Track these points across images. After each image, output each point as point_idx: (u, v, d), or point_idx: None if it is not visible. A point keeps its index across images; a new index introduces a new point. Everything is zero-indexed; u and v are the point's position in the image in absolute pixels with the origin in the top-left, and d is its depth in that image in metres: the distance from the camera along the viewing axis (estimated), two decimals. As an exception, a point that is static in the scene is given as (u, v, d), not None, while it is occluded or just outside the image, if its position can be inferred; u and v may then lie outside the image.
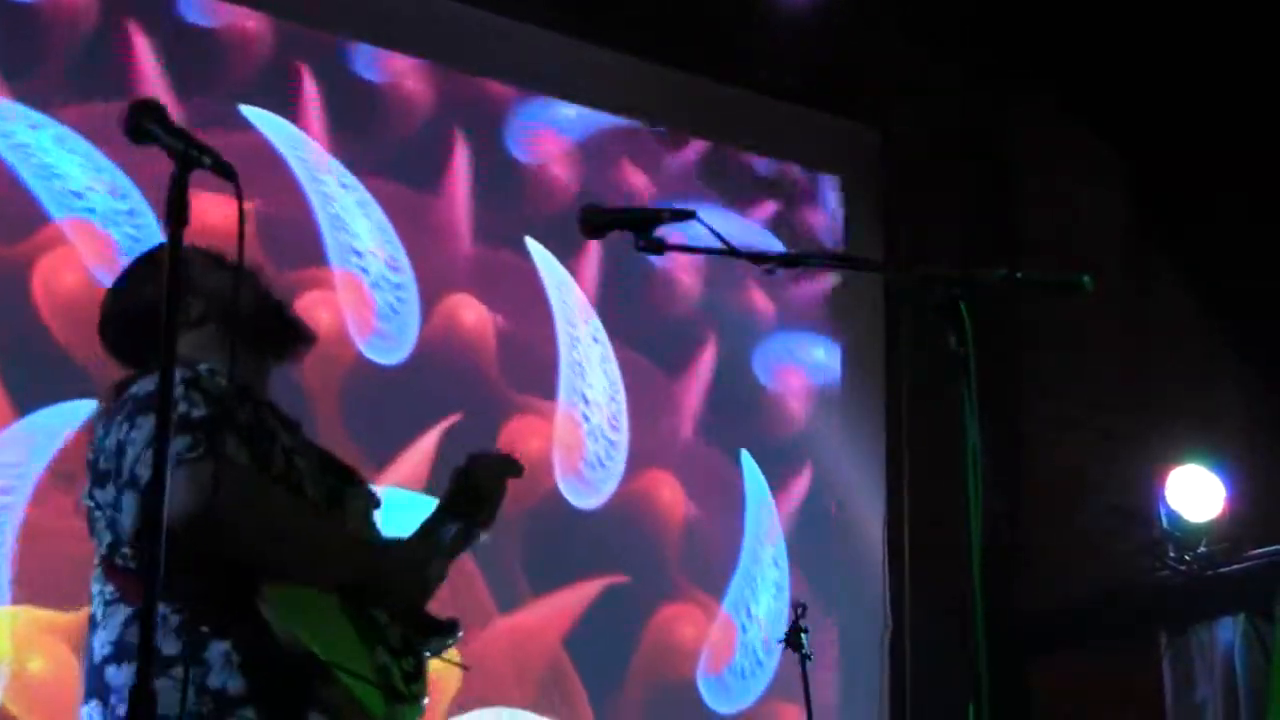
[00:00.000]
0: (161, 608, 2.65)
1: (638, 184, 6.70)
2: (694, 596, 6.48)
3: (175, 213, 2.24)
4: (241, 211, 2.31)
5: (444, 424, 5.87)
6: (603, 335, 6.48)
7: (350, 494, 3.06)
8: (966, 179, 7.50)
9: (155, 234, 5.45)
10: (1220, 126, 7.04)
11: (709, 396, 6.69)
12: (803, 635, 5.11)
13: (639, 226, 2.84)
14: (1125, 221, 7.61)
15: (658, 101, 6.80)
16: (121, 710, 2.71)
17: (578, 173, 6.55)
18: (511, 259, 6.34)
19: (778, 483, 6.78)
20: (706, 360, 6.71)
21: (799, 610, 5.14)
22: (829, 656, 6.51)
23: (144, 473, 2.69)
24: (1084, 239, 7.36)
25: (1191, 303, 7.48)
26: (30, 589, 5.10)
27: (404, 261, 6.06)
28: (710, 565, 6.52)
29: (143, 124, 2.30)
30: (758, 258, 2.88)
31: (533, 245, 6.33)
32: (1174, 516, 6.52)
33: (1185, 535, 6.50)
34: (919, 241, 7.03)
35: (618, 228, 2.87)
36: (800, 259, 3.01)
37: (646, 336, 6.61)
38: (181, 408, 2.74)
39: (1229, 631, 6.28)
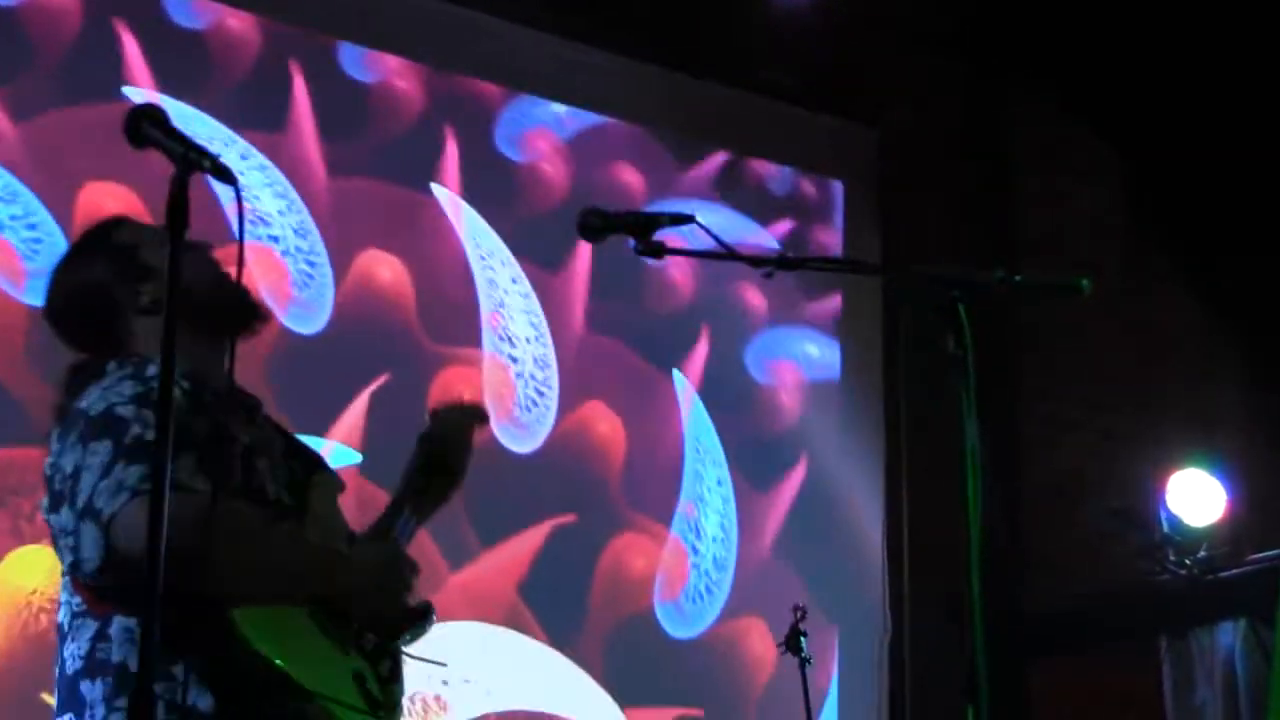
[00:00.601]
0: (124, 621, 2.69)
1: (630, 181, 6.70)
2: (641, 525, 6.48)
3: (176, 217, 2.23)
4: (241, 214, 2.31)
5: (372, 386, 5.82)
6: (522, 278, 6.45)
7: (316, 482, 2.99)
8: (965, 179, 7.51)
9: (54, 235, 5.43)
10: (1219, 126, 7.04)
11: (702, 391, 6.71)
12: (802, 639, 5.11)
13: (638, 230, 2.83)
14: (1125, 222, 7.61)
15: (653, 102, 6.80)
16: None
17: (569, 170, 6.54)
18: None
19: (773, 478, 6.78)
20: (699, 356, 6.71)
21: (798, 614, 5.13)
22: (828, 660, 6.51)
23: (104, 505, 2.62)
24: (1083, 239, 7.37)
25: (1191, 303, 7.48)
26: None
27: (311, 226, 5.96)
28: (654, 491, 6.53)
29: (142, 128, 2.29)
30: (757, 261, 2.88)
31: (438, 190, 6.30)
32: (1174, 520, 6.52)
33: (1185, 539, 6.50)
34: (917, 242, 7.04)
35: (618, 232, 2.85)
36: (798, 262, 3.00)
37: (640, 334, 6.61)
38: (135, 430, 2.69)
39: (1229, 636, 6.29)
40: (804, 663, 5.08)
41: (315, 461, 3.07)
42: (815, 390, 7.03)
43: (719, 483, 6.71)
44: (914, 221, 7.18)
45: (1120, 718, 6.59)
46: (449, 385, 6.06)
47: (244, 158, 5.86)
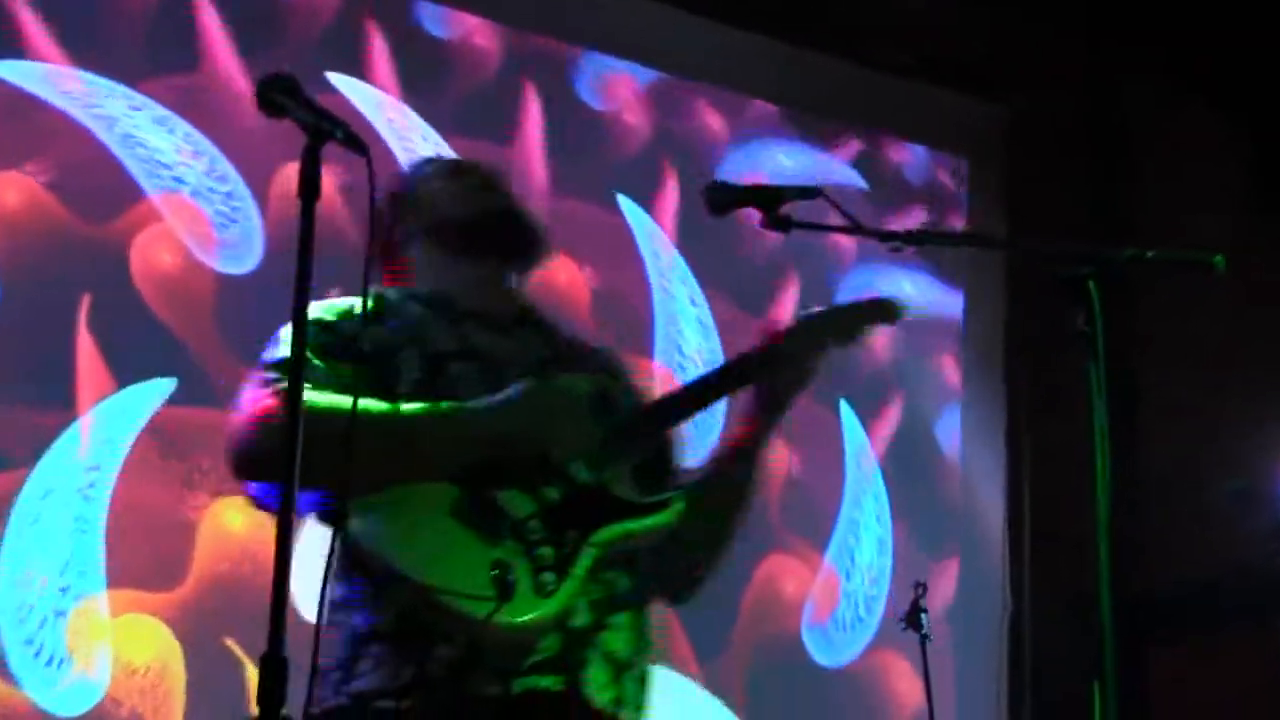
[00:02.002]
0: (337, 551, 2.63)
1: (714, 127, 6.70)
2: (796, 548, 6.45)
3: (308, 186, 2.25)
4: (372, 184, 2.32)
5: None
6: (700, 296, 6.45)
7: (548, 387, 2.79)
8: (1087, 156, 7.43)
9: (250, 213, 5.52)
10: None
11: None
12: (922, 615, 5.08)
13: (765, 204, 2.84)
14: (1246, 197, 7.51)
15: (773, 79, 6.78)
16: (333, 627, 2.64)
17: (651, 119, 6.53)
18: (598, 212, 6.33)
19: (867, 416, 6.73)
20: (788, 300, 6.63)
21: (919, 590, 5.11)
22: (947, 637, 6.48)
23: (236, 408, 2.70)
24: (1202, 218, 7.27)
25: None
26: (125, 570, 5.14)
27: (227, 167, 5.73)
28: (812, 516, 6.48)
29: (274, 97, 2.30)
30: (885, 235, 2.86)
31: (624, 201, 6.30)
32: (1296, 501, 6.45)
33: (1308, 520, 6.43)
34: (1042, 220, 6.98)
35: (744, 205, 2.86)
36: (927, 237, 2.99)
37: (729, 278, 6.56)
38: (279, 346, 2.74)
39: (1352, 619, 6.21)
40: (924, 639, 5.05)
41: (589, 367, 2.94)
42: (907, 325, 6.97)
43: (878, 519, 6.68)
44: (1037, 199, 7.12)
45: (1241, 702, 6.52)
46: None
47: (135, 109, 5.69)
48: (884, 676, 6.44)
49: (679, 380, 5.96)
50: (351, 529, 2.55)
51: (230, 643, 5.18)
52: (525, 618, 2.53)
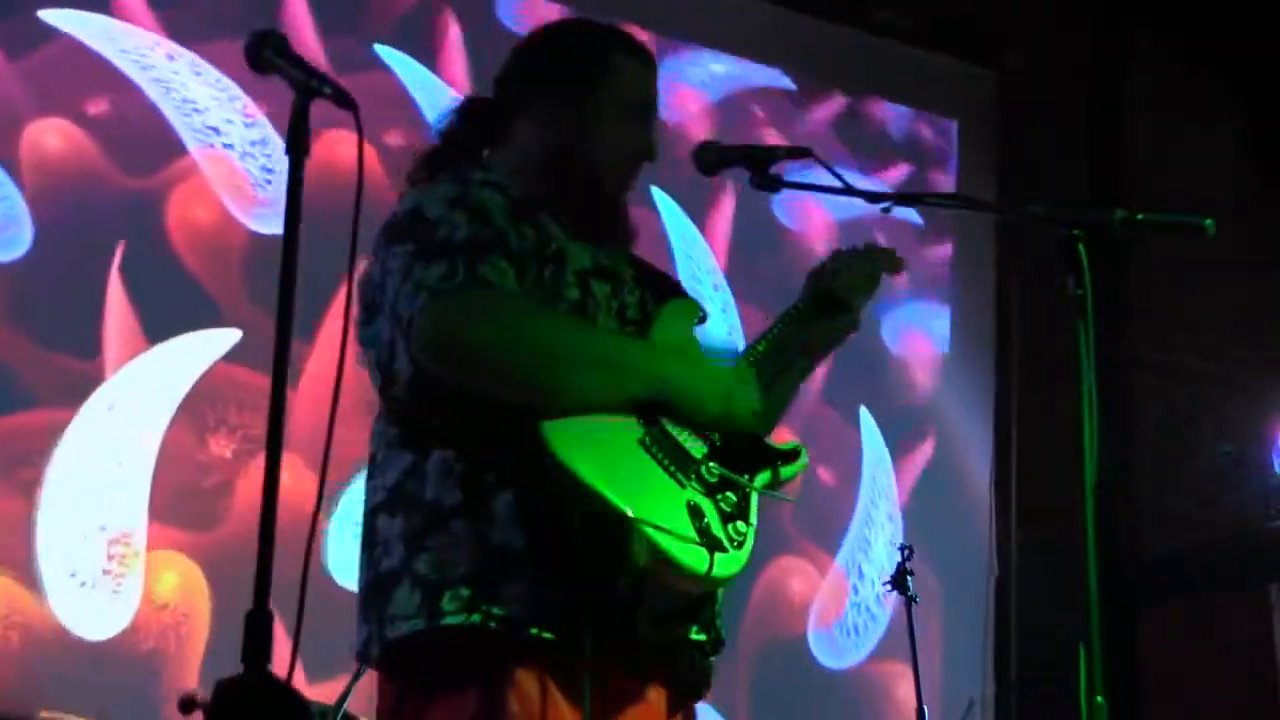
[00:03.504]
0: (442, 453, 2.55)
1: (751, 124, 6.67)
2: (806, 550, 6.46)
3: (296, 142, 2.24)
4: (361, 141, 2.31)
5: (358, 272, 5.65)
6: (724, 285, 6.44)
7: (665, 310, 2.78)
8: (1081, 120, 7.42)
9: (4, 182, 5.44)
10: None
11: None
12: (908, 578, 5.10)
13: (755, 164, 2.83)
14: (1240, 163, 7.50)
15: (770, 42, 6.76)
16: (385, 564, 2.55)
17: (713, 126, 6.49)
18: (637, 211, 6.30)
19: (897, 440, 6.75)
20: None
21: (905, 553, 5.13)
22: (934, 600, 6.49)
23: (405, 308, 2.53)
24: (1199, 182, 7.26)
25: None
26: (166, 510, 5.24)
27: (270, 133, 5.76)
28: (825, 520, 6.47)
29: (264, 53, 2.30)
30: (873, 196, 2.86)
31: (659, 195, 6.28)
32: (1289, 466, 6.44)
33: (1299, 486, 6.43)
34: (1032, 183, 6.97)
35: (733, 165, 2.85)
36: (915, 199, 2.99)
37: (774, 297, 6.55)
38: (441, 231, 2.57)
39: (1343, 584, 6.21)
40: (910, 601, 5.07)
41: (671, 289, 2.90)
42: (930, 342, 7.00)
43: (890, 518, 6.68)
44: (1030, 162, 7.11)
45: (1230, 665, 6.53)
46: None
47: (170, 58, 5.73)
48: (888, 681, 6.44)
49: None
50: (545, 447, 2.43)
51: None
52: (730, 571, 2.48)
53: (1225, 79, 7.45)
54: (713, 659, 2.69)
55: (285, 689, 2.01)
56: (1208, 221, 2.68)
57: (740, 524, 2.51)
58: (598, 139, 2.80)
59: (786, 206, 6.73)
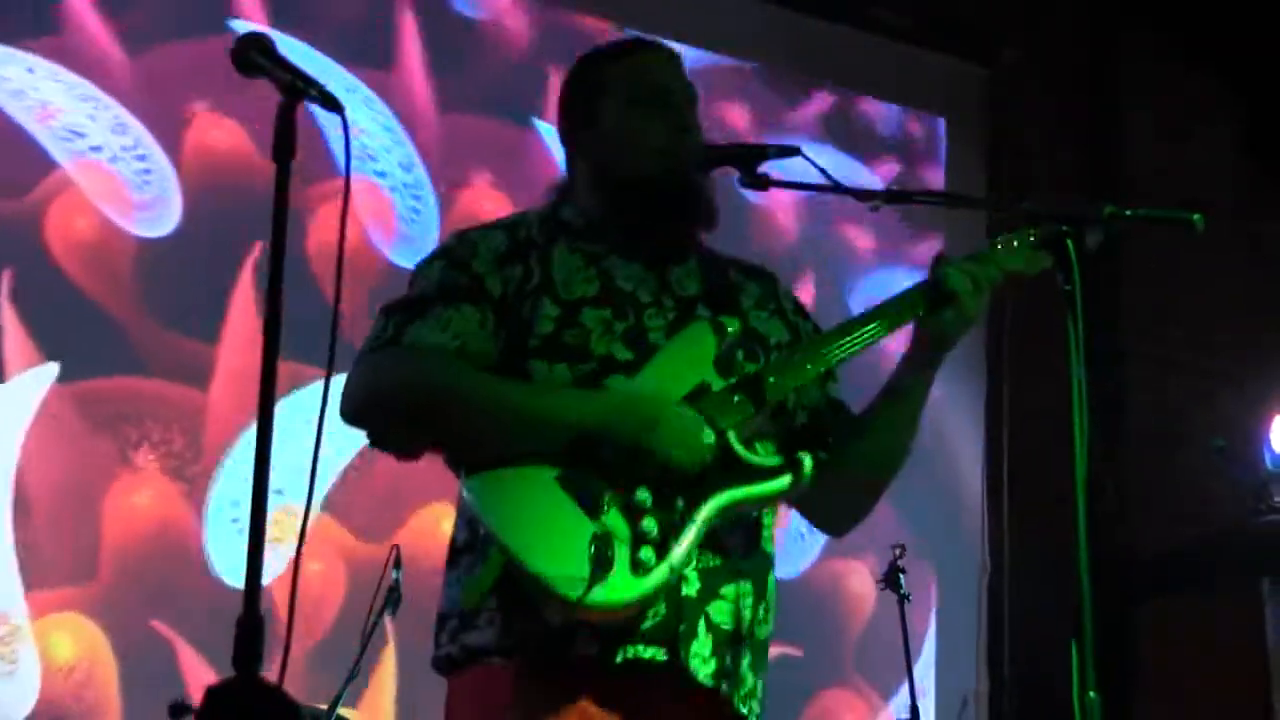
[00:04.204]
0: (464, 495, 2.61)
1: (737, 119, 6.68)
2: (860, 688, 6.46)
3: (282, 145, 2.23)
4: (348, 141, 2.30)
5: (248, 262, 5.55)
6: None
7: (680, 336, 2.72)
8: (1075, 117, 7.42)
9: (163, 168, 5.51)
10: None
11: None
12: (900, 576, 5.11)
13: (743, 163, 2.81)
14: (1235, 160, 7.50)
15: (761, 39, 6.76)
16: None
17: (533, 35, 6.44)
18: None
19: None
20: (804, 298, 6.61)
21: (898, 551, 5.13)
22: (927, 598, 6.49)
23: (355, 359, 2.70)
24: (1193, 177, 7.26)
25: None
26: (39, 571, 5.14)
27: (417, 160, 5.96)
28: (883, 661, 6.33)
29: (250, 56, 2.30)
30: (863, 194, 2.85)
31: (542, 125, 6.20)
32: (1278, 460, 6.43)
33: (1291, 479, 6.41)
34: (1023, 180, 6.97)
35: (722, 164, 2.83)
36: (905, 196, 2.98)
37: None
38: (410, 287, 2.73)
39: (1334, 578, 6.21)
40: (903, 600, 5.08)
41: (727, 304, 2.84)
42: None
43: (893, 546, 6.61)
44: (1021, 159, 7.11)
45: (1222, 660, 6.53)
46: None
47: (349, 90, 5.88)
48: (843, 580, 6.48)
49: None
50: (463, 485, 2.56)
51: (157, 624, 5.20)
52: (616, 597, 2.45)
53: (1222, 77, 7.45)
54: (705, 676, 2.60)
55: (276, 692, 2.00)
56: (1196, 217, 2.68)
57: (649, 551, 2.48)
58: (622, 143, 2.83)
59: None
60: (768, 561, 2.77)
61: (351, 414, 2.64)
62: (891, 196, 2.85)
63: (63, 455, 5.21)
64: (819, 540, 6.46)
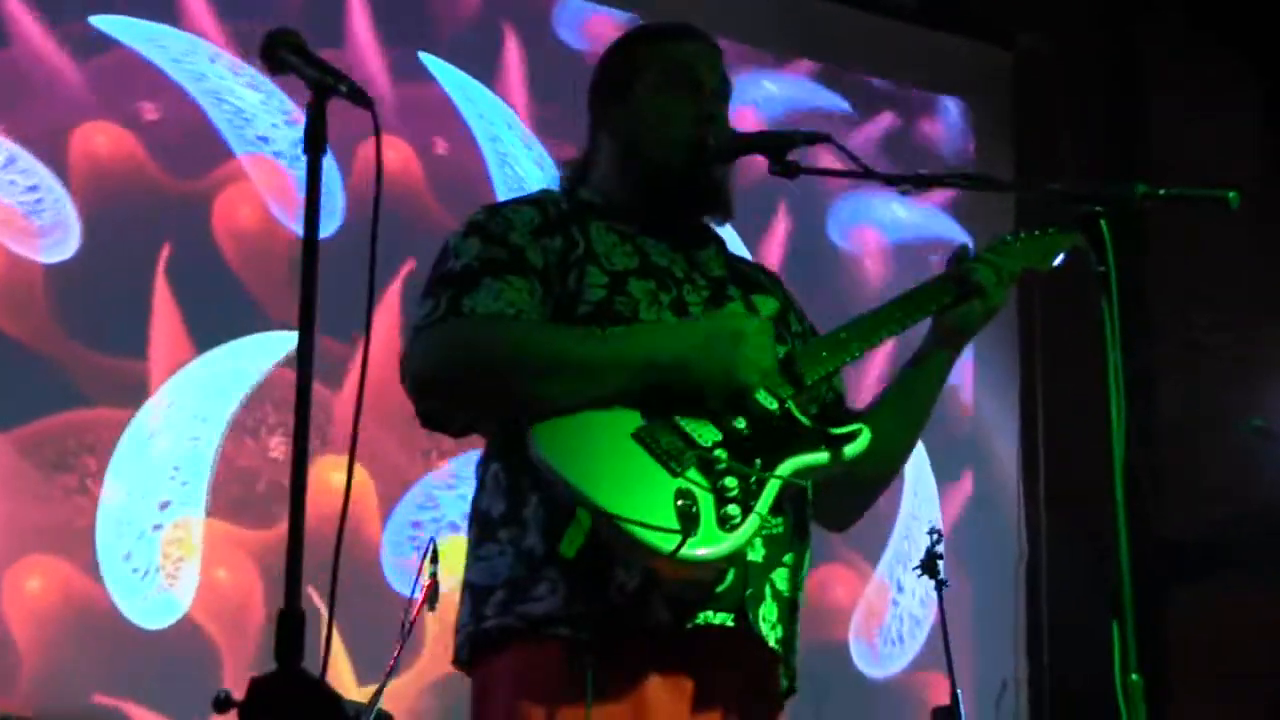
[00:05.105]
0: (495, 466, 2.64)
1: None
2: (849, 559, 6.46)
3: (314, 141, 2.24)
4: (379, 140, 2.31)
5: (402, 273, 5.55)
6: (527, 133, 6.33)
7: (726, 310, 2.72)
8: (1099, 99, 7.39)
9: (54, 190, 5.47)
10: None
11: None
12: (938, 561, 5.10)
13: (772, 150, 2.80)
14: (1261, 141, 7.47)
15: (779, 25, 6.75)
16: (464, 576, 2.67)
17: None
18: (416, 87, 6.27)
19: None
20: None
21: (934, 537, 5.13)
22: (964, 584, 6.48)
23: (405, 348, 2.64)
24: (1219, 158, 7.23)
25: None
26: (223, 507, 5.37)
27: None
28: (867, 530, 6.42)
29: (279, 53, 2.30)
30: (892, 179, 2.84)
31: (430, 61, 6.20)
32: (1314, 439, 6.41)
33: (1330, 459, 6.40)
34: (1049, 163, 6.95)
35: (750, 153, 2.81)
36: (934, 179, 2.96)
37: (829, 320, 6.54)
38: (447, 264, 2.68)
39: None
40: (940, 585, 5.07)
41: (760, 288, 2.86)
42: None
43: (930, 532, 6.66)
44: (1045, 143, 7.09)
45: (1261, 642, 6.52)
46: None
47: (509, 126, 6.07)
48: (929, 690, 6.43)
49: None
50: (532, 448, 2.49)
51: (311, 590, 5.23)
52: (709, 552, 2.43)
53: (1245, 54, 7.41)
54: (774, 641, 2.63)
55: (320, 685, 2.01)
56: (1231, 194, 2.66)
57: (735, 507, 2.48)
58: (649, 124, 2.83)
59: (842, 229, 6.76)
60: (809, 537, 2.79)
61: (422, 388, 2.60)
62: (921, 180, 2.83)
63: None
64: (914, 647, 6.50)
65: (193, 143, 5.53)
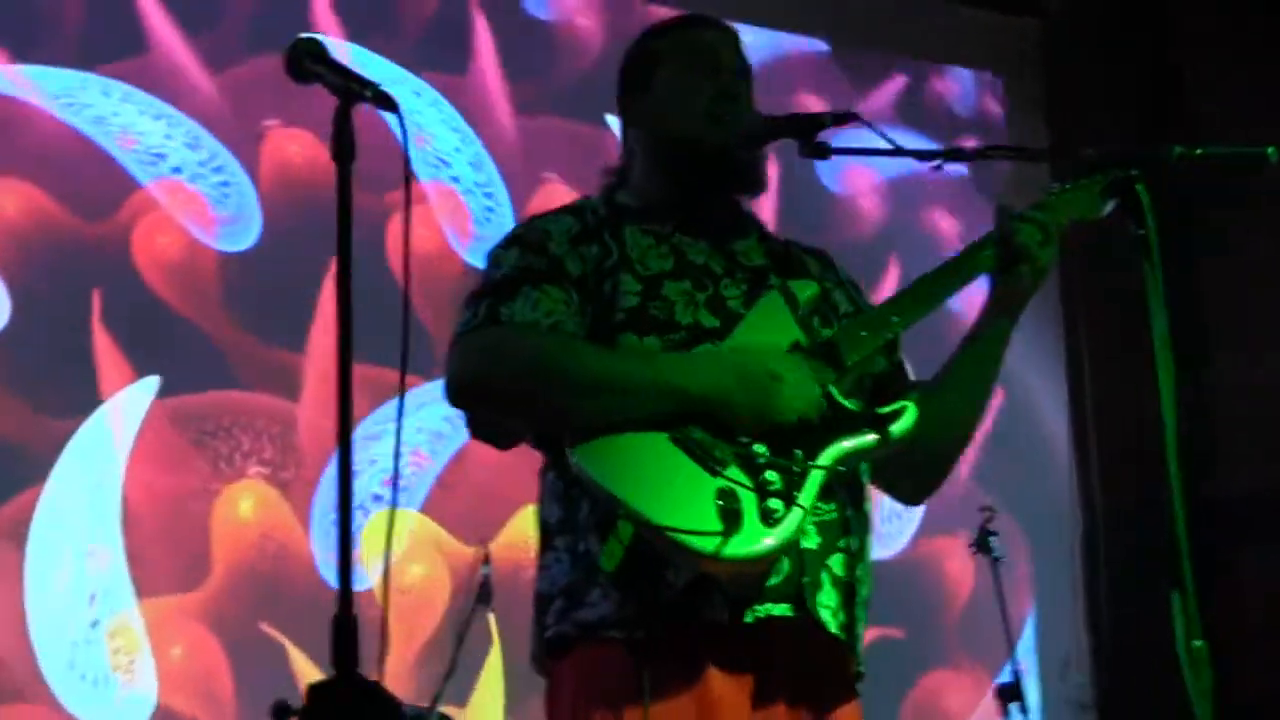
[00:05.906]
0: (553, 475, 2.66)
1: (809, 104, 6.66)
2: (964, 666, 6.45)
3: (342, 149, 2.24)
4: (406, 143, 2.31)
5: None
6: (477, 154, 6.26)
7: (760, 304, 2.72)
8: (1129, 65, 7.34)
9: (242, 181, 5.60)
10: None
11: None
12: (990, 539, 5.08)
13: (801, 132, 2.79)
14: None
15: (800, 5, 6.74)
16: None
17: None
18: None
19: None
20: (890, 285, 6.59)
21: (987, 514, 5.10)
22: (1021, 559, 6.44)
23: (447, 358, 2.66)
24: (1253, 121, 7.17)
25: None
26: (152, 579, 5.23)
27: (487, 159, 5.98)
28: (986, 636, 6.19)
29: (303, 63, 2.31)
30: (923, 155, 2.83)
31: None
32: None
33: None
34: (1082, 131, 6.91)
35: (780, 136, 2.80)
36: (965, 153, 2.94)
37: None
38: (488, 274, 2.71)
39: None
40: (995, 562, 5.05)
41: (789, 271, 2.83)
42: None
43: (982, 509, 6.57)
44: (1077, 111, 7.05)
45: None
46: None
47: (417, 95, 5.94)
48: (941, 560, 6.45)
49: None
50: (570, 459, 2.51)
51: (266, 627, 5.24)
52: (753, 549, 2.43)
53: (1275, 13, 7.35)
54: (836, 628, 2.61)
55: (378, 690, 2.01)
56: (1270, 150, 2.64)
57: (778, 501, 2.47)
58: (673, 104, 2.84)
59: (832, 174, 6.72)
60: (868, 522, 2.75)
61: (459, 395, 2.63)
62: (951, 155, 2.81)
63: (166, 468, 5.30)
64: (914, 518, 6.42)
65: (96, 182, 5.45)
